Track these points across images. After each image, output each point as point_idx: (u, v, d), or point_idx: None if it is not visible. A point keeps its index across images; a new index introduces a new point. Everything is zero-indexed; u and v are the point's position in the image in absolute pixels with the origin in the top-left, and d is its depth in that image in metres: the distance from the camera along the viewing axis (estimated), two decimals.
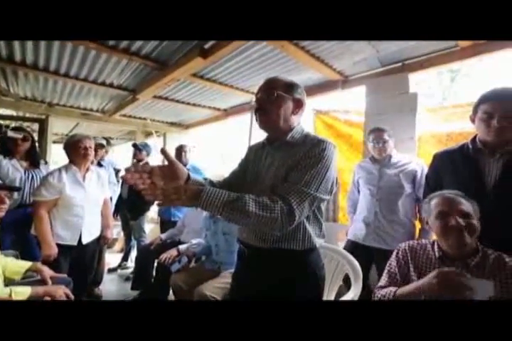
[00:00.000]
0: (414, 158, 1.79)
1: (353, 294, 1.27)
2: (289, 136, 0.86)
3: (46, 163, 2.36)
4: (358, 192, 1.81)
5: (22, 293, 1.09)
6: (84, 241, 1.71)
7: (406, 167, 1.60)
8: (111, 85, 2.71)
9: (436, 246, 0.95)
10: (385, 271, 1.04)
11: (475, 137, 1.14)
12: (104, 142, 2.71)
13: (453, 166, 1.16)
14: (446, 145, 1.80)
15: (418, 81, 2.02)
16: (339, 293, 1.45)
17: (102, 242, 1.94)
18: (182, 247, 1.91)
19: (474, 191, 0.98)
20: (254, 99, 0.93)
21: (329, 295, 1.44)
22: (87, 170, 1.79)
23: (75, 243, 1.67)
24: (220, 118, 3.71)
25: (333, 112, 2.68)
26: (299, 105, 0.89)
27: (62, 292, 1.20)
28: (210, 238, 1.84)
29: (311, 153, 0.78)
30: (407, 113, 1.97)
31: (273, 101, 0.85)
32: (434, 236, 1.00)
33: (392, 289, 0.93)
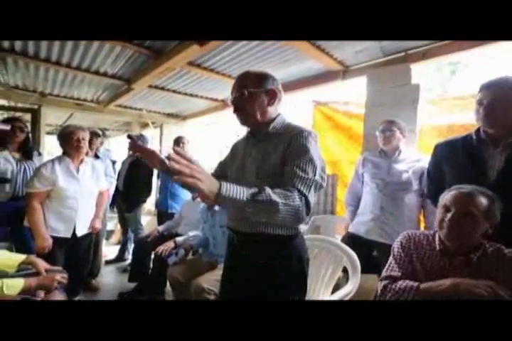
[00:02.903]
0: (416, 151, 1.77)
1: (351, 287, 1.27)
2: (271, 127, 0.89)
3: (40, 154, 2.30)
4: (361, 185, 1.78)
5: (14, 286, 1.07)
6: (79, 233, 1.69)
7: (415, 164, 1.57)
8: (105, 74, 2.62)
9: (437, 238, 0.94)
10: (392, 260, 0.99)
11: (479, 128, 1.12)
12: (99, 131, 2.64)
13: (455, 157, 1.14)
14: (447, 137, 1.78)
15: (419, 73, 1.97)
16: (338, 285, 1.45)
17: (96, 234, 1.92)
18: (179, 239, 1.89)
19: (476, 184, 0.96)
20: (230, 98, 0.94)
21: (327, 287, 1.44)
22: (81, 161, 1.76)
23: (69, 235, 1.65)
24: (218, 109, 3.64)
25: (333, 103, 2.64)
26: (273, 95, 0.90)
27: (55, 282, 1.18)
28: (208, 230, 1.82)
29: (297, 143, 0.81)
30: (408, 105, 1.92)
31: (245, 99, 0.87)
32: None
33: (414, 284, 0.87)
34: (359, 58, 2.12)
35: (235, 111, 0.91)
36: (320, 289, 1.46)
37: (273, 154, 0.84)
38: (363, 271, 1.35)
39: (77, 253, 1.76)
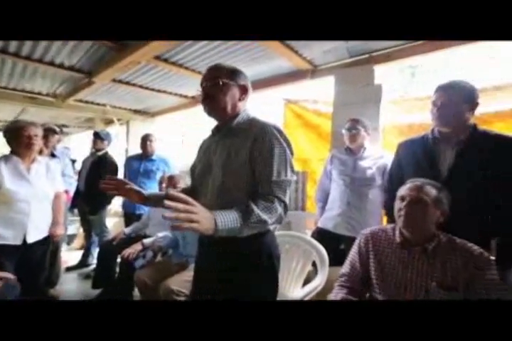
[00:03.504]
0: (381, 149, 1.86)
1: (319, 280, 1.31)
2: (235, 121, 0.89)
3: None
4: (329, 181, 1.84)
5: None
6: (30, 239, 1.54)
7: (378, 160, 1.66)
8: (61, 66, 2.41)
9: (397, 231, 1.00)
10: (347, 258, 1.09)
11: (434, 127, 1.20)
12: (56, 128, 2.43)
13: (414, 155, 1.22)
14: (408, 136, 1.90)
15: (382, 75, 2.07)
16: (308, 279, 1.49)
17: (52, 240, 1.77)
18: (147, 241, 1.81)
19: (431, 178, 1.03)
20: (199, 89, 0.93)
21: (298, 280, 1.48)
22: (33, 161, 1.59)
23: (19, 242, 1.50)
24: (188, 106, 3.53)
25: (303, 102, 2.69)
26: (244, 91, 0.92)
27: None
28: (177, 231, 1.76)
29: (264, 141, 0.81)
30: (372, 104, 2.02)
31: (219, 88, 0.87)
32: None
33: (341, 295, 0.99)
34: (327, 58, 2.18)
35: (206, 99, 0.89)
36: (291, 283, 1.49)
37: (239, 151, 0.84)
38: (332, 263, 1.40)
39: (30, 261, 1.59)
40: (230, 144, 0.87)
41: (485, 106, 1.60)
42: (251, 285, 0.87)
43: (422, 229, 0.93)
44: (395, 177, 1.31)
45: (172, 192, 0.62)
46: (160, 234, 1.84)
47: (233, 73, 0.90)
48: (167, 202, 0.59)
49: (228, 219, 0.68)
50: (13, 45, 2.01)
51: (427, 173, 1.09)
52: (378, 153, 1.72)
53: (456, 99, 1.09)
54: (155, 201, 1.01)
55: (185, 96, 3.32)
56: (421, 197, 0.92)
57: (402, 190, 0.99)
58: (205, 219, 0.63)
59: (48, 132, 2.33)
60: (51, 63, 2.35)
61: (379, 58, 2.03)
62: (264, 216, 0.73)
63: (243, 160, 0.82)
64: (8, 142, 1.54)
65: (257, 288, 0.88)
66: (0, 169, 1.45)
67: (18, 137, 1.51)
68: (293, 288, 1.46)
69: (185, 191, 1.07)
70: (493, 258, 0.91)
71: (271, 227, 0.91)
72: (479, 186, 1.04)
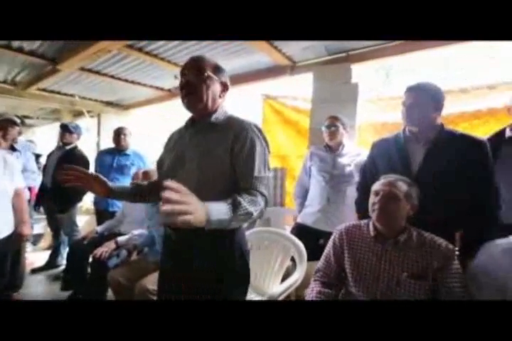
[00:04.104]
0: (355, 146, 1.92)
1: (297, 275, 1.33)
2: (213, 117, 0.88)
3: None
4: (309, 178, 1.86)
5: None
6: None
7: (356, 158, 1.70)
8: (20, 50, 2.20)
9: (371, 226, 1.04)
10: (323, 254, 1.13)
11: (406, 127, 1.26)
12: (15, 119, 2.22)
13: (387, 154, 1.26)
14: (381, 134, 1.98)
15: (358, 74, 2.13)
16: (287, 274, 1.51)
17: (18, 240, 1.64)
18: (121, 239, 1.74)
19: (403, 175, 1.08)
20: (178, 76, 0.90)
21: (277, 276, 1.50)
22: None
23: None
24: (164, 98, 3.40)
25: (282, 98, 2.70)
26: (225, 88, 0.92)
27: None
28: (153, 228, 1.71)
29: (246, 139, 0.82)
30: (348, 102, 2.07)
31: (203, 80, 0.85)
32: None
33: (317, 289, 1.04)
34: (306, 55, 2.19)
35: (187, 88, 0.86)
36: (270, 278, 1.51)
37: (218, 147, 0.84)
38: (311, 258, 1.43)
39: None
40: (207, 139, 0.86)
41: (450, 108, 1.71)
42: (224, 283, 0.86)
43: (394, 222, 0.98)
44: (368, 175, 1.36)
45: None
46: (135, 232, 1.77)
47: (217, 68, 0.89)
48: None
49: (220, 211, 0.66)
50: None
51: (398, 169, 1.15)
52: (355, 151, 1.77)
53: (423, 100, 1.14)
54: (120, 194, 0.98)
55: (162, 89, 3.19)
56: (393, 191, 0.97)
57: (376, 186, 1.03)
58: (199, 210, 0.60)
59: (6, 123, 2.12)
60: (7, 46, 2.13)
61: (356, 57, 2.07)
62: (251, 208, 0.73)
63: (222, 156, 0.83)
64: None
65: (231, 287, 0.88)
66: None
67: None
68: (272, 284, 1.48)
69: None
70: (456, 249, 0.99)
71: (245, 224, 0.92)
72: (446, 182, 1.10)
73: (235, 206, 0.70)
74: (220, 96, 0.90)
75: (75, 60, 2.22)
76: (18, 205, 1.62)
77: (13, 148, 2.25)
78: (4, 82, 3.04)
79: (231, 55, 2.20)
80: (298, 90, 2.76)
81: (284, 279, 1.46)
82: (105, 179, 0.95)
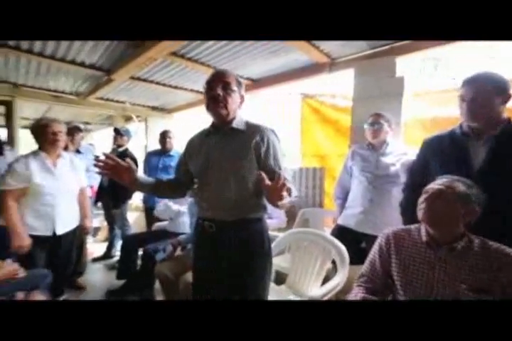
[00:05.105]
0: (401, 143, 1.79)
1: (339, 279, 1.29)
2: (234, 123, 1.03)
3: (11, 148, 2.18)
4: (350, 177, 1.79)
5: None
6: (60, 231, 1.63)
7: (402, 157, 1.59)
8: (82, 64, 2.48)
9: (423, 231, 0.96)
10: (367, 258, 1.06)
11: (463, 122, 1.14)
12: (80, 126, 2.53)
13: (442, 150, 1.16)
14: (431, 131, 1.81)
15: (403, 67, 1.98)
16: (327, 278, 1.47)
17: (82, 232, 1.86)
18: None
19: (460, 175, 0.98)
20: (205, 89, 1.03)
21: (317, 279, 1.47)
22: (58, 156, 1.67)
23: (50, 233, 1.59)
24: (203, 102, 3.54)
25: (320, 96, 2.63)
26: (243, 101, 1.07)
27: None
28: None
29: (270, 140, 1.00)
30: (393, 97, 1.94)
31: (229, 94, 0.99)
32: None
33: (361, 296, 0.98)
34: (345, 50, 2.10)
35: (217, 101, 0.98)
36: (309, 281, 1.49)
37: (243, 148, 0.98)
38: (353, 262, 1.37)
39: (60, 252, 1.69)
40: (235, 143, 1.00)
41: None
42: (256, 270, 1.01)
43: (446, 225, 0.88)
44: (417, 175, 1.26)
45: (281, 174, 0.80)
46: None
47: (239, 83, 1.04)
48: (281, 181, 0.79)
49: (293, 190, 0.89)
50: (37, 45, 2.09)
51: (456, 169, 1.03)
52: (402, 149, 1.65)
53: (486, 93, 1.02)
54: (141, 185, 1.06)
55: (201, 92, 3.32)
56: (445, 190, 0.88)
57: (430, 185, 0.94)
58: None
59: (74, 130, 2.43)
60: (73, 62, 2.42)
61: (400, 49, 1.93)
62: (296, 192, 0.91)
63: (250, 157, 0.97)
64: (36, 139, 1.63)
65: (261, 274, 1.01)
66: (29, 164, 1.53)
67: (44, 134, 1.59)
68: (311, 287, 1.46)
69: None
70: None
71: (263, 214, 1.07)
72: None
73: (293, 191, 0.91)
74: (239, 107, 1.06)
75: (125, 70, 2.43)
76: (82, 202, 1.84)
77: (78, 151, 2.56)
78: (70, 93, 3.46)
79: (270, 55, 2.21)
80: (336, 88, 2.67)
81: (323, 283, 1.43)
82: (135, 169, 1.03)
